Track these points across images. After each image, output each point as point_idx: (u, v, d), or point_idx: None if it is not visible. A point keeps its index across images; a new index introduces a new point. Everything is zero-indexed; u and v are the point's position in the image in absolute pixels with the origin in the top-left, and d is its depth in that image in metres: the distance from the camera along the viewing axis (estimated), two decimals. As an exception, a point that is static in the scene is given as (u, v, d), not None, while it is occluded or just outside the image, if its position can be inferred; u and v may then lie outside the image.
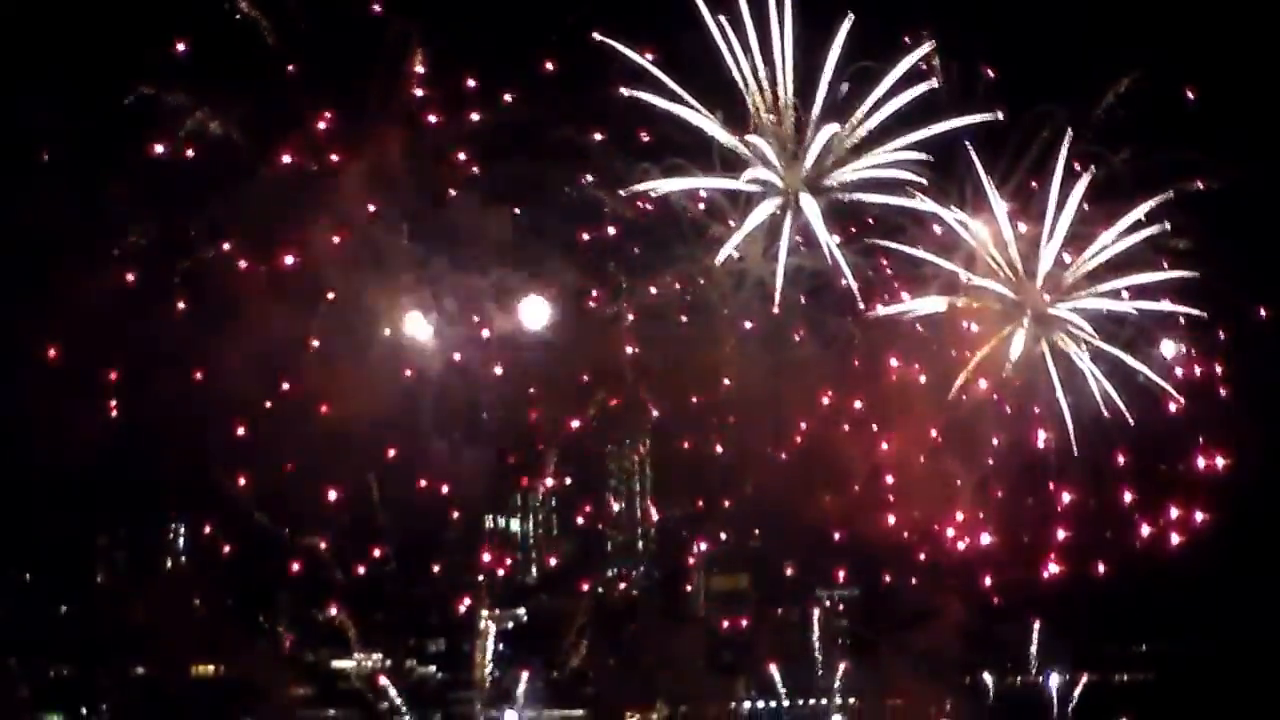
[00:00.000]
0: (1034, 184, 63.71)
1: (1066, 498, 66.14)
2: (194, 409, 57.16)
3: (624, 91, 59.19)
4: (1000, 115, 61.61)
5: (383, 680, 63.87)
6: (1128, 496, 66.33)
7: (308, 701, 62.88)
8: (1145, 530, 66.91)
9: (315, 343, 58.49)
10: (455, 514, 62.93)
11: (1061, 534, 66.48)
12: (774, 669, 66.95)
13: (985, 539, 65.33)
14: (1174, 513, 66.86)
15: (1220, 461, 67.18)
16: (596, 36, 59.15)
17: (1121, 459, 65.19)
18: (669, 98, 60.23)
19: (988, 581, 66.18)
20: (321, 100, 58.79)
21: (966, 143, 61.72)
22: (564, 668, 65.44)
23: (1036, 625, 68.51)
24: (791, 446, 63.79)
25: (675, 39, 60.41)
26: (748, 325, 63.75)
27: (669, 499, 67.53)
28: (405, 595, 64.62)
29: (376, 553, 62.66)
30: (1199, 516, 66.86)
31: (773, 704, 66.94)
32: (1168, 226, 63.41)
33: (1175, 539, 67.03)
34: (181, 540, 63.86)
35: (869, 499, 64.15)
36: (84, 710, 61.53)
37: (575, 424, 63.10)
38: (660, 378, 63.42)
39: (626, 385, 63.52)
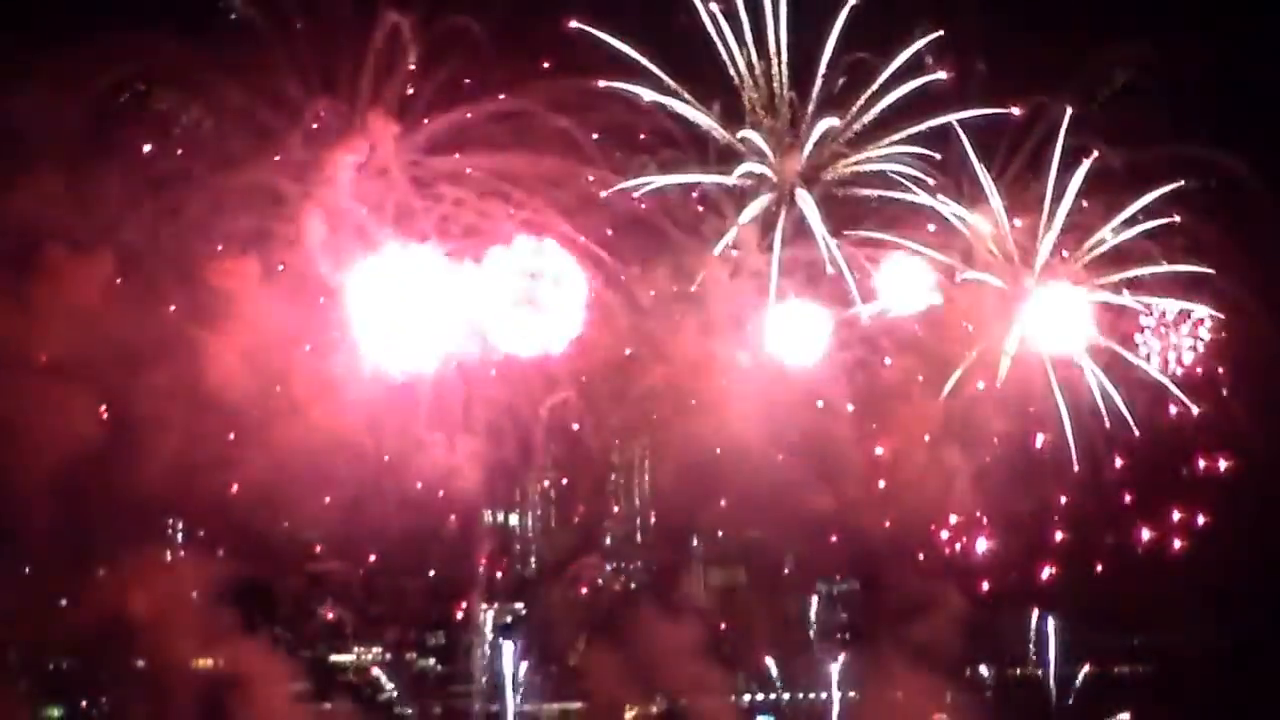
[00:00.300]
0: (1031, 178, 63.27)
1: (1064, 497, 66.07)
2: (190, 405, 57.21)
3: (616, 85, 58.97)
4: (1016, 110, 61.46)
5: (375, 671, 64.19)
6: (1126, 496, 66.27)
7: (306, 695, 63.02)
8: (1145, 532, 66.78)
9: (309, 344, 58.57)
10: (453, 508, 62.95)
11: (1059, 535, 66.46)
12: (772, 662, 67.01)
13: (983, 543, 65.41)
14: (1175, 515, 66.68)
15: (1223, 463, 66.93)
16: (592, 31, 58.91)
17: (1119, 455, 64.89)
18: (664, 91, 59.97)
19: (985, 587, 66.14)
20: (315, 94, 58.64)
21: (964, 135, 61.32)
22: (562, 661, 65.66)
23: (1035, 617, 68.23)
24: (789, 441, 63.57)
25: (671, 32, 60.23)
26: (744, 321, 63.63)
27: (667, 493, 67.41)
28: (404, 589, 64.86)
29: (375, 547, 62.94)
30: (1200, 519, 66.68)
31: (771, 697, 67.02)
32: (1176, 219, 63.06)
33: (1176, 541, 66.84)
34: (180, 535, 63.98)
35: (866, 494, 64.00)
36: (84, 703, 61.94)
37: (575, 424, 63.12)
38: (657, 373, 63.31)
39: (624, 380, 63.48)
